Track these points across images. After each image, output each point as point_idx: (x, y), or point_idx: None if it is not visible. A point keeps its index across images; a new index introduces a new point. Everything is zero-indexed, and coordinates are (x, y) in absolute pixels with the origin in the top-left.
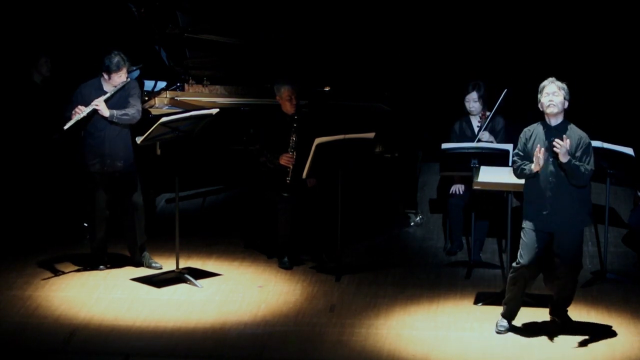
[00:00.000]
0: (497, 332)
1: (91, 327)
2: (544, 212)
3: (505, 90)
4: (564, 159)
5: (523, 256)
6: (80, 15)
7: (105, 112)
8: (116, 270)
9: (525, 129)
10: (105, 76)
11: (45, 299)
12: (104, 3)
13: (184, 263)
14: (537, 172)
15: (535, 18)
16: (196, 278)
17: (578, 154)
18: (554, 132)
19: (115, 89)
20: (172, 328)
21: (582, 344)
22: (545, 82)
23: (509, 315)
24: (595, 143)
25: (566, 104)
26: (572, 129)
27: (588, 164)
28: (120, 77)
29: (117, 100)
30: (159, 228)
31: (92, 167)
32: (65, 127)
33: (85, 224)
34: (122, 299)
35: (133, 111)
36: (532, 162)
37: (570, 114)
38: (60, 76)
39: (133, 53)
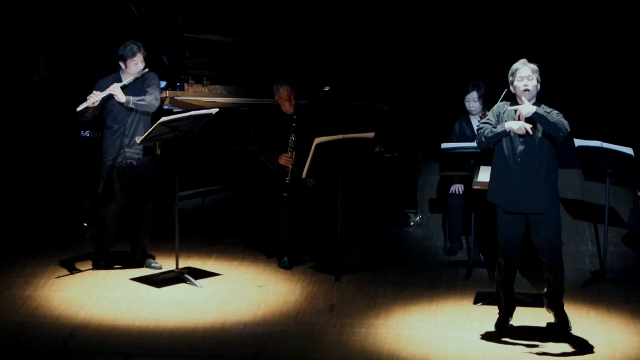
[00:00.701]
0: (497, 332)
1: (91, 327)
2: (514, 195)
3: (506, 90)
4: (529, 113)
5: (501, 246)
6: (80, 15)
7: (121, 97)
8: (116, 270)
9: (500, 104)
10: (122, 65)
11: (45, 299)
12: (104, 3)
13: (184, 263)
14: (509, 133)
15: (535, 18)
16: (196, 278)
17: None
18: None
19: (133, 77)
20: (172, 328)
21: (582, 344)
22: (517, 65)
23: (508, 310)
24: (595, 143)
25: (539, 86)
26: (544, 108)
27: (559, 116)
28: (136, 65)
29: (136, 90)
30: (159, 228)
31: (112, 160)
32: (79, 109)
33: (85, 224)
34: (122, 299)
35: (150, 98)
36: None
37: (571, 114)
38: (59, 77)
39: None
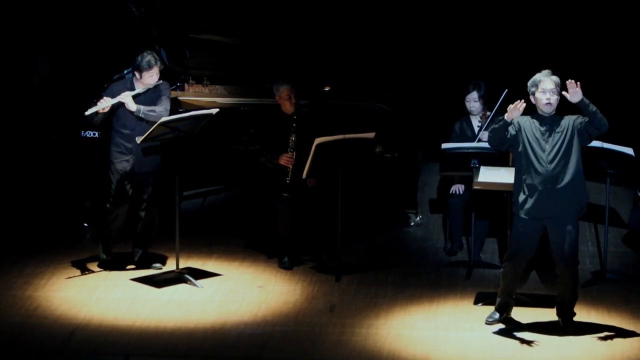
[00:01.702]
0: (486, 323)
1: (91, 327)
2: (537, 200)
3: (506, 90)
4: (577, 97)
5: (512, 246)
6: (79, 15)
7: (132, 106)
8: (116, 270)
9: (521, 117)
10: (137, 75)
11: (45, 299)
12: (104, 3)
13: (184, 263)
14: (510, 122)
15: (535, 18)
16: (196, 278)
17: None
18: (548, 121)
19: (145, 87)
20: (172, 328)
21: (582, 344)
22: (541, 77)
23: (500, 308)
24: (595, 143)
25: (559, 99)
26: (563, 117)
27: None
28: (151, 77)
29: (147, 99)
30: (160, 228)
31: (119, 164)
32: (87, 113)
33: (86, 224)
34: (122, 299)
35: (161, 109)
36: (515, 146)
37: (571, 114)
38: (58, 76)
39: (133, 53)
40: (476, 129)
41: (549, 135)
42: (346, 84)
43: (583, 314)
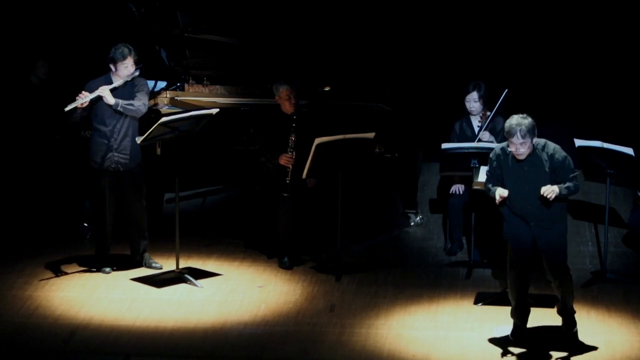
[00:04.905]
0: (511, 338)
1: (91, 327)
2: (524, 211)
3: (506, 90)
4: (553, 196)
5: (512, 252)
6: (78, 16)
7: (110, 99)
8: (116, 270)
9: (499, 149)
10: (112, 68)
11: (45, 299)
12: (104, 3)
13: (184, 263)
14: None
15: (535, 18)
16: (196, 278)
17: (560, 175)
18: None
19: (122, 80)
20: (172, 328)
21: (582, 344)
22: (508, 129)
23: (521, 318)
24: (595, 143)
25: (534, 139)
26: (545, 148)
27: (574, 179)
28: (126, 68)
29: (125, 94)
30: (159, 228)
31: (99, 164)
32: (66, 109)
33: (85, 224)
34: (122, 299)
35: (139, 103)
36: (500, 184)
37: (571, 114)
38: (57, 78)
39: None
40: (476, 129)
41: (521, 168)
42: (346, 84)
43: (583, 314)
